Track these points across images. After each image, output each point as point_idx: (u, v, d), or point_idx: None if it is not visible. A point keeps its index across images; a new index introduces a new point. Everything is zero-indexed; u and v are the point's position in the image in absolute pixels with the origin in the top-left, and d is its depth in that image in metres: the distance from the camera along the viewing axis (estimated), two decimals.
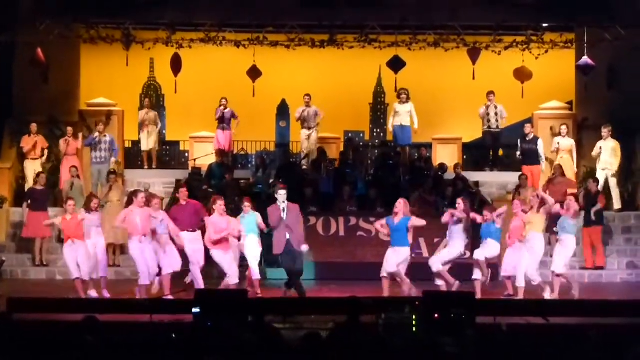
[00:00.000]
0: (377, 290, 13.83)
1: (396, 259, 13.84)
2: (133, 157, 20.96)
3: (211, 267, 14.62)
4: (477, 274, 14.09)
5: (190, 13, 19.18)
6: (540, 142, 18.54)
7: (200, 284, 14.06)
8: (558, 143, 18.63)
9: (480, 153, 20.57)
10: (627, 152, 18.89)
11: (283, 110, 22.58)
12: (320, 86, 21.29)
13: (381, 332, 9.89)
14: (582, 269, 16.91)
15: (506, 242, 14.25)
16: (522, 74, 19.50)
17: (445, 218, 14.35)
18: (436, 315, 10.27)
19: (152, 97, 22.09)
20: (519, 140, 18.82)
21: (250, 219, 14.51)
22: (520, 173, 18.06)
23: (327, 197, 17.89)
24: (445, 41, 19.12)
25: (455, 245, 14.20)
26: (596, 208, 16.85)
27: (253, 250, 14.45)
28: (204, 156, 19.90)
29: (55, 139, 19.14)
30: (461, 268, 14.50)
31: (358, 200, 17.78)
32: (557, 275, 14.13)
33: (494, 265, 14.57)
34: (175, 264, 14.14)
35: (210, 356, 7.14)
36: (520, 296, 13.86)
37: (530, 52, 19.15)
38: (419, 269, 14.56)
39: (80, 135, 18.91)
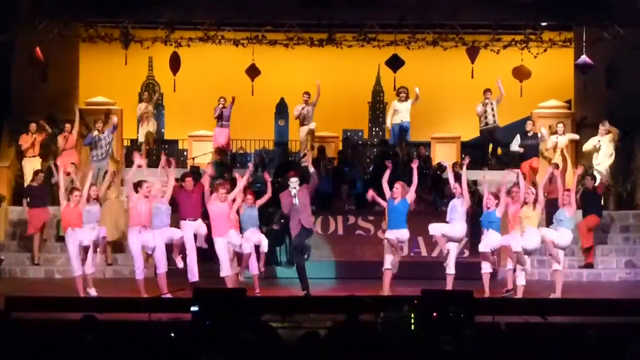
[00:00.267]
0: (375, 289, 13.85)
1: (399, 238, 14.13)
2: (132, 155, 20.89)
3: (212, 264, 14.57)
4: (485, 267, 14.10)
5: (189, 12, 19.20)
6: (542, 131, 18.52)
7: (194, 275, 14.07)
8: (556, 139, 18.61)
9: (478, 152, 20.55)
10: (625, 151, 18.90)
11: (282, 109, 22.59)
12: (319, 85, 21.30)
13: (380, 331, 9.89)
14: (580, 268, 16.93)
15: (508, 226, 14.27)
16: (520, 73, 19.53)
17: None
18: (435, 314, 10.27)
19: (151, 92, 22.06)
20: (517, 135, 18.79)
21: (252, 212, 14.60)
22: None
23: (326, 196, 17.89)
24: (444, 40, 19.15)
25: (456, 224, 14.23)
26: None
27: (254, 243, 14.51)
28: (202, 155, 19.91)
29: (54, 138, 19.12)
30: (463, 267, 14.48)
31: (356, 199, 17.79)
32: (555, 271, 14.15)
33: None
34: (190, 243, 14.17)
35: (209, 355, 7.14)
36: (520, 295, 13.86)
37: (529, 51, 19.19)
38: (418, 268, 14.58)
39: (75, 129, 18.75)
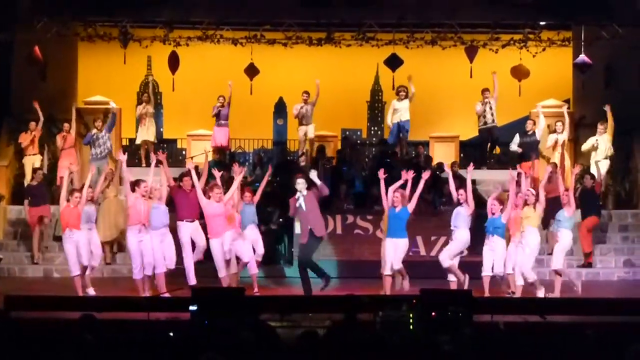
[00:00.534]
0: (374, 288, 13.84)
1: (398, 253, 13.88)
2: (130, 155, 20.89)
3: (211, 264, 14.56)
4: (487, 270, 14.09)
5: (187, 11, 19.22)
6: (541, 127, 18.51)
7: (191, 278, 14.08)
8: (556, 138, 18.58)
9: (477, 151, 20.55)
10: (624, 151, 18.90)
11: (280, 108, 22.58)
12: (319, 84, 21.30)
13: (378, 330, 9.90)
14: (579, 267, 16.93)
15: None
16: (519, 72, 19.51)
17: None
18: (433, 314, 10.27)
19: (150, 93, 22.04)
20: (517, 134, 18.77)
21: (250, 209, 14.57)
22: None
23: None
24: (443, 39, 19.16)
25: (461, 234, 14.18)
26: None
27: (251, 242, 14.49)
28: (201, 154, 19.87)
29: (53, 137, 19.12)
30: (462, 267, 14.46)
31: (355, 198, 17.76)
32: (556, 272, 14.16)
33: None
34: (170, 262, 14.11)
35: (208, 354, 7.14)
36: (518, 294, 13.86)
37: (528, 50, 19.20)
38: (417, 267, 14.56)
39: (72, 128, 18.72)
